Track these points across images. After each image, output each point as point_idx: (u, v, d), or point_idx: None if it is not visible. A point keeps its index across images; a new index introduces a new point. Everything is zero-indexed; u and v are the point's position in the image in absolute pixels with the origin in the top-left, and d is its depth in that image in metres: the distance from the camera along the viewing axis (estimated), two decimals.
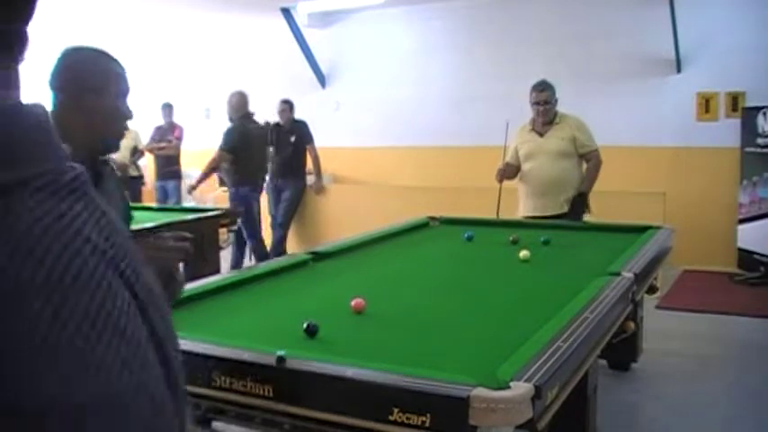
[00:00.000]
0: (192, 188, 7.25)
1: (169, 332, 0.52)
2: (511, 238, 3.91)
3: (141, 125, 8.50)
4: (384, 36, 8.42)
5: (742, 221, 6.69)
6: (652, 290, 3.97)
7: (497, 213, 4.98)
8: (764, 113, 6.46)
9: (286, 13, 8.24)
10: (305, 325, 2.35)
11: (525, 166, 4.86)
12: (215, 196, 9.27)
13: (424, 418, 1.77)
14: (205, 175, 7.00)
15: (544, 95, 4.75)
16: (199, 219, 5.66)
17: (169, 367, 0.50)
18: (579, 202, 4.76)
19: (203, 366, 2.10)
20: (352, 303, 2.66)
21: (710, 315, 5.46)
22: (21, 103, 0.48)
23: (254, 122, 6.94)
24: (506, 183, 4.97)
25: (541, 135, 4.82)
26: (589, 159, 4.82)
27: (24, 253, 0.43)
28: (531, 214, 4.80)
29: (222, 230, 6.26)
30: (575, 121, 4.86)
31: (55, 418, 0.42)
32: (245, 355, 2.08)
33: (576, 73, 7.08)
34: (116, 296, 0.46)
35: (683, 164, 7.09)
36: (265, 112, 7.75)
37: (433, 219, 4.72)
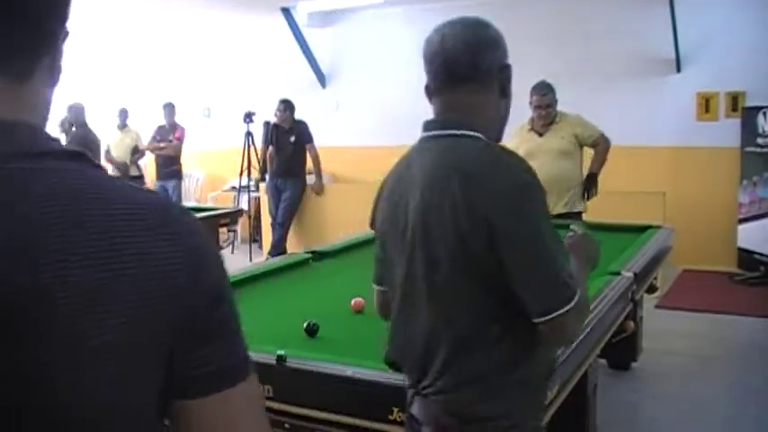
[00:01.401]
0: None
1: None
2: None
3: (142, 125, 8.52)
4: (384, 36, 8.41)
5: (742, 221, 6.69)
6: (652, 289, 3.98)
7: None
8: (764, 113, 6.46)
9: (286, 12, 8.24)
10: (305, 324, 2.35)
11: None
12: (215, 196, 9.28)
13: None
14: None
15: (546, 99, 4.74)
16: (199, 219, 5.66)
17: None
18: (590, 183, 4.88)
19: None
20: (352, 303, 2.67)
21: (710, 315, 5.46)
22: None
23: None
24: None
25: (541, 135, 4.82)
26: (597, 144, 4.89)
27: None
28: None
29: (222, 230, 6.27)
30: (574, 119, 4.87)
31: None
32: None
33: (576, 73, 7.07)
34: None
35: (683, 164, 7.09)
36: (265, 112, 7.75)
37: None
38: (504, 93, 1.59)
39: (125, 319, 0.66)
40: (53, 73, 0.74)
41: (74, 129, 7.33)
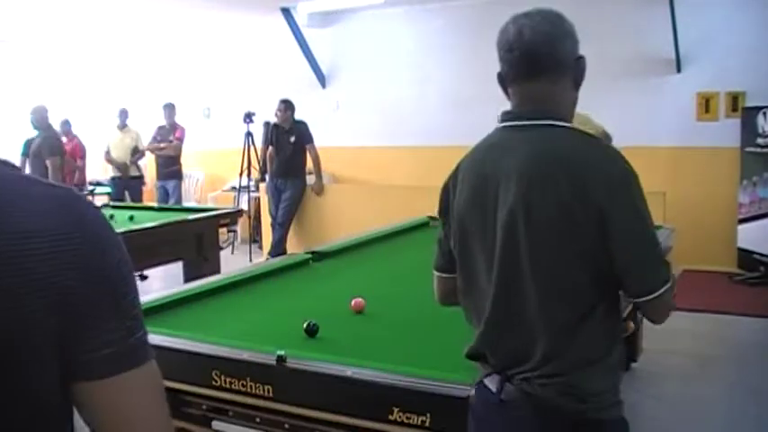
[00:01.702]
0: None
1: None
2: None
3: (142, 125, 8.52)
4: (384, 36, 8.42)
5: (742, 221, 6.68)
6: None
7: None
8: (764, 113, 6.45)
9: (286, 13, 8.23)
10: (305, 325, 2.35)
11: None
12: (215, 196, 9.27)
13: (423, 418, 1.77)
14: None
15: None
16: (199, 219, 5.66)
17: None
18: None
19: (203, 366, 2.10)
20: (352, 303, 2.67)
21: (710, 315, 5.45)
22: None
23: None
24: None
25: None
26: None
27: None
28: None
29: (222, 231, 6.27)
30: (576, 118, 4.86)
31: None
32: (245, 355, 2.08)
33: None
34: None
35: (683, 164, 7.09)
36: (265, 112, 7.74)
37: (433, 219, 4.72)
38: (578, 84, 1.62)
39: (16, 305, 0.67)
40: None
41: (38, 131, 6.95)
